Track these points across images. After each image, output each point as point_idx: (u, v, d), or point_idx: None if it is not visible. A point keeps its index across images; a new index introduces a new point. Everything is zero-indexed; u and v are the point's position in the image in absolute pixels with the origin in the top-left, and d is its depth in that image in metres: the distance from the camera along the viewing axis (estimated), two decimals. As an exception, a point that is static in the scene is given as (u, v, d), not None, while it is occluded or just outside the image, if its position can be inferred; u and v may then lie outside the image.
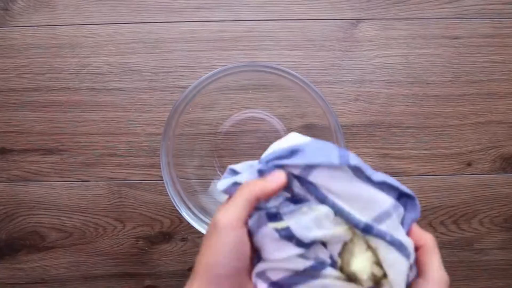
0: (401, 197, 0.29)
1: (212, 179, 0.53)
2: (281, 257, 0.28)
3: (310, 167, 0.29)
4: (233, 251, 0.27)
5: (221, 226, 0.27)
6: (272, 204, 0.29)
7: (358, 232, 0.28)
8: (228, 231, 0.27)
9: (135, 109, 0.54)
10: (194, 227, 0.48)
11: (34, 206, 0.54)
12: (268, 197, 0.29)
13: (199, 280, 0.27)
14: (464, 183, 0.54)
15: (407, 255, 0.27)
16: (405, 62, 0.54)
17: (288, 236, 0.28)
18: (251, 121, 0.53)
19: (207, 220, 0.50)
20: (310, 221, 0.28)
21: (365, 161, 0.53)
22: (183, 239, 0.54)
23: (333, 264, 0.28)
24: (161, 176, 0.49)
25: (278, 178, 0.29)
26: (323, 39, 0.55)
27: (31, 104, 0.54)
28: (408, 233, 0.29)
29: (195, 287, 0.27)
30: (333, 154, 0.28)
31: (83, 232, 0.54)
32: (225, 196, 0.31)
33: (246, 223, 0.28)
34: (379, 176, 0.29)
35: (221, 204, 0.30)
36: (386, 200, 0.28)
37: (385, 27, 0.55)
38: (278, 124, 0.54)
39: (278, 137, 0.49)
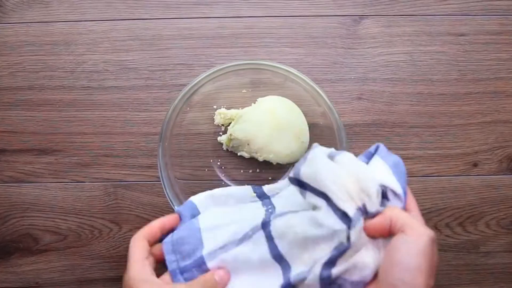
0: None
1: (212, 180, 0.52)
2: None
3: None
4: None
5: None
6: None
7: None
8: None
9: (131, 108, 0.53)
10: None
11: (27, 207, 0.53)
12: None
13: None
14: (470, 184, 0.53)
15: None
16: (410, 59, 0.53)
17: None
18: (251, 120, 0.52)
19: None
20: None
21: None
22: (181, 242, 0.53)
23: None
24: (159, 177, 0.48)
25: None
26: (325, 36, 0.53)
27: (24, 103, 0.53)
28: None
29: None
30: None
31: (78, 234, 0.53)
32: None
33: None
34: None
35: None
36: None
37: (389, 24, 0.53)
38: (278, 123, 0.52)
39: (279, 137, 0.48)
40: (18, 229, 0.53)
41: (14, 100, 0.53)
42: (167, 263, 0.35)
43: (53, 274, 0.53)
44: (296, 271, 0.33)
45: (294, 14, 0.53)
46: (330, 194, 0.32)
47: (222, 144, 0.52)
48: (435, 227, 0.53)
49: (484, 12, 0.53)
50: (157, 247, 0.37)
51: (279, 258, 0.34)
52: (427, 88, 0.53)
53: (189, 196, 0.49)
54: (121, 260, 0.53)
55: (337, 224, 0.31)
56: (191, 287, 0.33)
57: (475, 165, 0.53)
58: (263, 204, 0.40)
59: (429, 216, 0.53)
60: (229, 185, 0.52)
